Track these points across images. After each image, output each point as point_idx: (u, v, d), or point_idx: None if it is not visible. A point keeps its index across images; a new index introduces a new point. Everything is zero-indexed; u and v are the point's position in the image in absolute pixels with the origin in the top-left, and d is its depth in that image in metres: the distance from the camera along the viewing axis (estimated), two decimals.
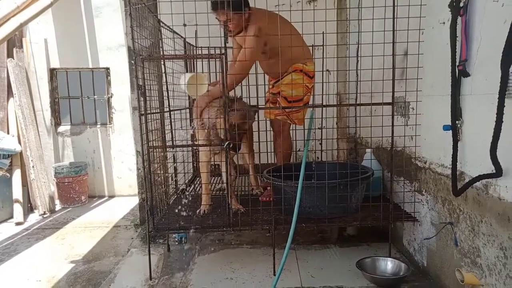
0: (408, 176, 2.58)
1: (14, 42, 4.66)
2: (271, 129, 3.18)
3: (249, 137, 3.06)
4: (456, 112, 1.89)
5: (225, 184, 2.67)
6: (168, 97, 3.17)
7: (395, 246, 2.76)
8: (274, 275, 2.38)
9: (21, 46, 4.75)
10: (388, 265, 2.37)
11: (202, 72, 3.16)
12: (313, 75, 2.98)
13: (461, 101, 1.88)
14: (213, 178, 3.52)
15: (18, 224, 3.97)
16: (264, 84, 3.35)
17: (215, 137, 2.56)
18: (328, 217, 2.47)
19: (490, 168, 1.62)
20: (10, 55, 4.58)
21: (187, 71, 3.61)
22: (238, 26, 2.72)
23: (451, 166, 1.93)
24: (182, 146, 3.01)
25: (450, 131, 1.92)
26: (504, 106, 1.51)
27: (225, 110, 2.32)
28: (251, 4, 2.71)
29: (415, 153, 2.44)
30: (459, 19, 1.83)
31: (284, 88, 2.86)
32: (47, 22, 4.79)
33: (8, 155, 4.21)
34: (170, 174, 3.34)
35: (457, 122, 1.89)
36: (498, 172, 1.57)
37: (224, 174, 2.69)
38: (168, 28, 3.04)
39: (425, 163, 2.34)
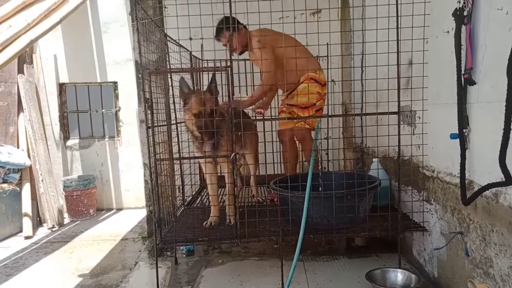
0: (416, 186, 2.55)
1: (25, 58, 4.76)
2: (280, 141, 3.19)
3: (254, 148, 3.08)
4: (463, 120, 1.88)
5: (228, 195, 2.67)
6: (174, 110, 3.20)
7: (405, 256, 2.71)
8: (283, 287, 2.35)
9: (31, 62, 4.85)
10: (398, 276, 2.33)
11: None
12: (325, 83, 3.14)
13: (468, 109, 1.87)
14: (221, 189, 3.52)
15: (27, 238, 3.99)
16: (277, 95, 3.39)
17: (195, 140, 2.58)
18: (336, 228, 2.45)
19: (499, 177, 1.60)
20: (20, 71, 4.68)
21: (193, 84, 3.65)
22: (237, 42, 2.99)
23: (459, 175, 1.91)
24: (189, 158, 3.02)
25: (458, 140, 1.90)
26: None
27: (231, 122, 2.33)
28: (257, 19, 2.75)
29: (422, 162, 2.42)
30: (463, 27, 1.84)
31: (299, 98, 3.04)
32: (56, 38, 4.90)
33: (18, 169, 4.27)
34: (177, 186, 3.35)
35: (464, 130, 1.88)
36: (508, 180, 1.55)
37: (228, 186, 2.69)
38: (174, 42, 3.09)
39: (433, 172, 2.31)
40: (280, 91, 3.38)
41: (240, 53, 3.15)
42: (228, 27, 2.64)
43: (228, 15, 2.46)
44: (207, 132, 2.42)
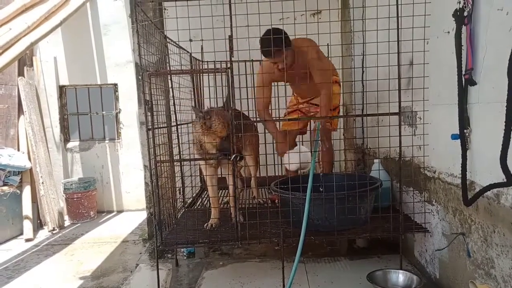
0: (417, 186, 2.55)
1: (25, 60, 4.77)
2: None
3: (255, 150, 3.08)
4: (464, 121, 1.87)
5: (229, 198, 2.67)
6: (175, 112, 3.19)
7: (406, 257, 2.71)
8: None
9: (31, 65, 4.85)
10: (399, 277, 2.32)
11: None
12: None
13: (469, 109, 1.86)
14: (222, 191, 3.52)
15: (27, 240, 3.99)
16: (279, 96, 3.37)
17: (202, 151, 2.57)
18: (337, 229, 2.44)
19: (500, 177, 1.59)
20: (21, 73, 4.68)
21: (193, 85, 3.65)
22: (291, 59, 2.78)
23: (460, 176, 1.91)
24: (189, 159, 3.02)
25: (459, 140, 1.90)
26: None
27: (232, 125, 2.33)
28: (254, 19, 2.76)
29: (423, 162, 2.42)
30: (463, 28, 1.84)
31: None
32: (56, 40, 4.90)
33: (18, 172, 4.27)
34: (178, 188, 3.34)
35: (465, 131, 1.87)
36: (509, 180, 1.55)
37: (230, 187, 2.69)
38: (174, 44, 3.09)
39: (434, 172, 2.31)
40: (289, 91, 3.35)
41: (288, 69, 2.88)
42: (284, 45, 2.53)
43: (278, 27, 2.43)
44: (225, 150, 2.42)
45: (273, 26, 2.48)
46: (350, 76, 3.79)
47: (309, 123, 3.30)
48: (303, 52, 2.78)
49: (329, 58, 3.08)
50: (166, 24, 3.44)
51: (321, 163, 3.23)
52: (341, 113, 4.05)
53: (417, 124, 2.51)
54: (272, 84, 3.01)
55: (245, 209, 2.75)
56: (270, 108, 3.03)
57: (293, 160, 2.72)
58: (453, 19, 1.90)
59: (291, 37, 2.83)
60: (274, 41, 2.39)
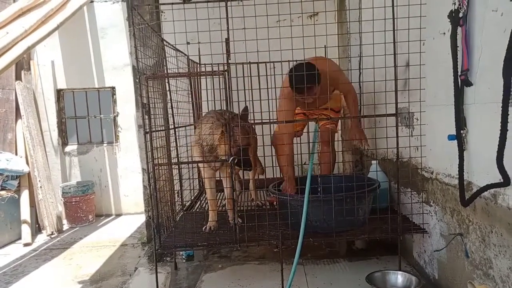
0: (415, 187, 2.55)
1: (22, 64, 4.76)
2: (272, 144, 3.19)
3: (253, 152, 3.07)
4: (460, 121, 1.88)
5: (227, 200, 2.67)
6: (173, 115, 3.19)
7: (405, 258, 2.71)
8: None
9: (29, 69, 4.85)
10: (398, 278, 2.33)
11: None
12: None
13: (465, 110, 1.87)
14: (220, 194, 3.52)
15: (26, 245, 3.98)
16: (276, 99, 3.36)
17: (209, 154, 2.56)
18: (336, 231, 2.44)
19: (497, 177, 1.60)
20: (18, 77, 4.68)
21: (191, 88, 3.66)
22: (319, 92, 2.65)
23: (458, 176, 1.91)
24: (187, 163, 3.02)
25: (455, 141, 1.90)
26: (508, 114, 1.50)
27: (228, 127, 2.33)
28: (250, 22, 2.76)
29: (421, 163, 2.42)
30: (459, 29, 1.84)
31: (332, 102, 3.06)
32: (54, 44, 4.90)
33: (16, 176, 4.25)
34: (176, 191, 3.34)
35: (461, 131, 1.88)
36: (506, 181, 1.55)
37: (226, 190, 2.68)
38: (171, 47, 3.09)
39: (432, 173, 2.31)
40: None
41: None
42: (316, 81, 2.51)
43: (312, 63, 2.44)
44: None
45: (305, 61, 2.44)
46: (347, 78, 3.79)
47: (307, 125, 3.30)
48: (326, 75, 2.62)
49: None
50: (163, 27, 3.44)
51: (320, 164, 3.24)
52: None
53: (414, 125, 2.51)
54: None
55: (243, 211, 2.74)
56: (291, 139, 2.89)
57: None
58: (449, 20, 1.91)
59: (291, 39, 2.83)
60: (307, 78, 2.31)
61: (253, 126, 3.14)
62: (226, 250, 3.14)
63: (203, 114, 3.04)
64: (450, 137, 1.93)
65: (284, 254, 2.43)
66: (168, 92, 3.13)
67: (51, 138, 5.00)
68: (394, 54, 2.16)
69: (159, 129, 2.66)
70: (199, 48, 3.33)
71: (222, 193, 3.39)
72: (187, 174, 3.26)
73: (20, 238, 4.11)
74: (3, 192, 4.08)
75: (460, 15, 1.82)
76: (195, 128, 2.73)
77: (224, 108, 2.59)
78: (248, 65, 3.58)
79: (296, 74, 2.45)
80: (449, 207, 2.12)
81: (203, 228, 2.65)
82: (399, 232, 2.37)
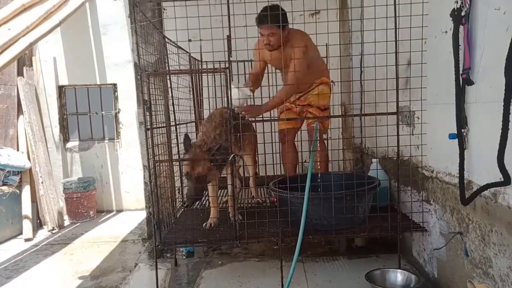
0: (415, 186, 2.55)
1: (24, 60, 4.77)
2: (280, 141, 3.20)
3: (253, 149, 3.08)
4: (462, 120, 1.87)
5: (228, 197, 2.67)
6: (174, 111, 3.20)
7: (405, 257, 2.71)
8: None
9: (30, 65, 4.86)
10: (398, 277, 2.33)
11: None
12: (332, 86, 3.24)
13: (466, 109, 1.87)
14: (221, 190, 3.52)
15: (27, 240, 4.00)
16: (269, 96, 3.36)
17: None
18: (336, 229, 2.45)
19: (498, 176, 1.60)
20: (20, 73, 4.69)
21: (192, 85, 3.66)
22: (279, 41, 2.83)
23: (458, 175, 1.91)
24: (188, 159, 3.02)
25: (456, 140, 1.90)
26: (510, 113, 1.50)
27: (229, 122, 2.33)
28: (252, 19, 2.76)
29: (421, 162, 2.42)
30: (461, 28, 1.84)
31: (313, 98, 3.09)
32: (55, 40, 4.90)
33: (18, 171, 4.27)
34: (177, 188, 3.35)
35: (462, 130, 1.88)
36: (506, 180, 1.55)
37: (229, 187, 2.69)
38: (173, 44, 3.09)
39: (432, 172, 2.31)
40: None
41: (273, 50, 2.98)
42: (280, 23, 2.49)
43: (280, 2, 2.46)
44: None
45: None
46: (349, 76, 3.80)
47: (303, 123, 3.30)
48: (292, 41, 2.86)
49: (327, 58, 3.08)
50: (165, 24, 3.44)
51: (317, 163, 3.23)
52: (339, 113, 4.07)
53: (415, 124, 2.51)
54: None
55: (243, 208, 2.75)
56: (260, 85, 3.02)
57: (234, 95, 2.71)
58: (451, 18, 1.91)
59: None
60: (270, 15, 2.46)
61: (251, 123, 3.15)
62: (226, 247, 3.15)
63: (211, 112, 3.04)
64: (451, 136, 1.93)
65: (284, 251, 2.44)
66: (169, 89, 3.13)
67: (52, 134, 5.02)
68: (396, 52, 2.16)
69: (160, 126, 2.66)
70: (200, 45, 3.33)
71: (224, 190, 3.40)
72: None
73: (21, 233, 4.13)
74: (4, 188, 4.10)
75: (462, 13, 1.82)
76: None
77: (226, 106, 2.59)
78: (250, 62, 3.58)
79: (264, 8, 2.71)
80: (449, 205, 2.12)
81: (204, 225, 2.66)
82: (398, 230, 2.37)
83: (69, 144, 5.12)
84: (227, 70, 2.32)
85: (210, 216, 2.71)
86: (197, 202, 2.84)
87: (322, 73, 3.12)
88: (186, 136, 2.54)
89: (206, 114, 3.47)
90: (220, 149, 2.41)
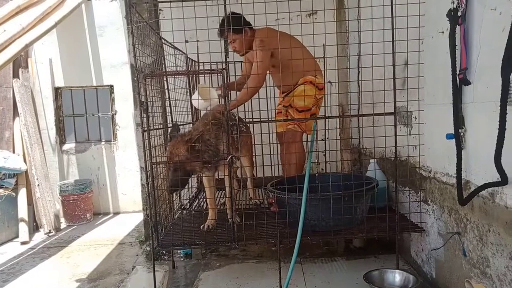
0: (413, 186, 2.55)
1: (20, 62, 4.74)
2: (278, 142, 3.19)
3: (249, 150, 3.07)
4: (459, 120, 1.88)
5: (226, 199, 2.66)
6: (171, 113, 3.18)
7: (403, 257, 2.71)
8: None
9: (26, 66, 4.83)
10: (396, 277, 2.33)
11: (206, 85, 3.15)
12: (323, 87, 3.10)
13: (463, 109, 1.87)
14: (219, 192, 3.51)
15: (23, 243, 3.97)
16: (274, 97, 3.36)
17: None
18: (334, 230, 2.45)
19: (495, 176, 1.60)
20: (16, 75, 4.66)
21: (189, 87, 3.65)
22: (242, 45, 2.95)
23: (456, 175, 1.91)
24: (185, 161, 3.01)
25: (454, 140, 1.90)
26: (507, 113, 1.50)
27: (227, 124, 2.33)
28: (252, 20, 2.76)
29: (419, 162, 2.42)
30: (457, 28, 1.84)
31: (296, 99, 3.01)
32: (51, 42, 4.88)
33: (14, 174, 4.24)
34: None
35: (460, 130, 1.88)
36: (504, 180, 1.55)
37: (227, 188, 2.68)
38: (170, 45, 3.08)
39: (430, 172, 2.32)
40: (277, 92, 3.38)
41: (243, 54, 3.14)
42: (232, 28, 2.47)
43: (235, 13, 2.45)
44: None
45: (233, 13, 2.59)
46: (346, 77, 3.80)
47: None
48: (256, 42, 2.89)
49: (325, 59, 3.08)
50: (162, 25, 3.43)
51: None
52: (337, 114, 4.07)
53: (413, 124, 2.51)
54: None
55: (241, 210, 2.74)
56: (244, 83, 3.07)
57: (196, 98, 2.78)
58: (447, 19, 1.91)
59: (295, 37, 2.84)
60: (227, 23, 2.45)
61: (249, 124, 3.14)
62: (224, 249, 3.14)
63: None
64: (448, 136, 1.93)
65: (282, 252, 2.43)
66: (166, 90, 3.12)
67: (48, 136, 4.99)
68: (393, 52, 2.16)
69: (157, 127, 2.65)
70: (197, 46, 3.32)
71: (222, 192, 3.39)
72: None
73: (17, 237, 4.10)
74: (0, 190, 4.07)
75: (459, 14, 1.82)
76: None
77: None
78: (244, 62, 3.57)
79: (222, 20, 2.71)
80: (447, 206, 2.12)
81: (201, 227, 2.65)
82: (397, 231, 2.37)
83: (66, 146, 5.09)
84: (224, 71, 2.31)
85: (208, 218, 2.70)
86: (178, 192, 2.87)
87: (306, 72, 2.88)
88: (174, 125, 2.53)
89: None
90: (203, 142, 2.40)
